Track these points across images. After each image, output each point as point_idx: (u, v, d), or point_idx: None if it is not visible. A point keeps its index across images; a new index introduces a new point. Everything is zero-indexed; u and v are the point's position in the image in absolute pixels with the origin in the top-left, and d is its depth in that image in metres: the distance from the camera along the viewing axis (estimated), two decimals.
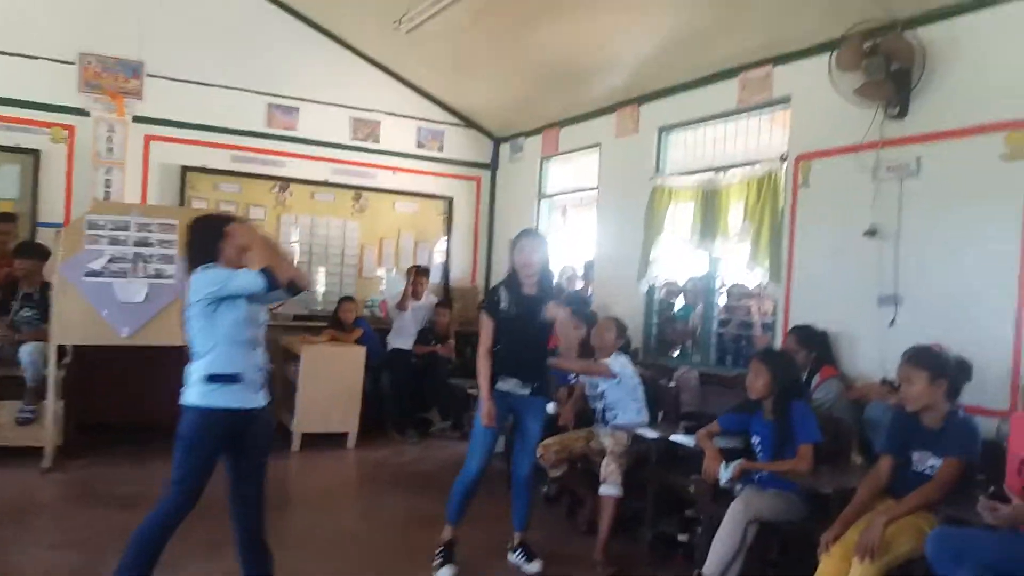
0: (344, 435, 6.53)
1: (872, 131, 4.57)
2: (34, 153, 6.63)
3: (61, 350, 5.53)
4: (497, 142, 8.52)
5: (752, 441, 3.78)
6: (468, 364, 7.33)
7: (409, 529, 4.68)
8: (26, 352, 5.47)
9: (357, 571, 3.94)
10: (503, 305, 3.91)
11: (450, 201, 8.33)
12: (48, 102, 6.66)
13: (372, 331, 7.22)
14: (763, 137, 5.58)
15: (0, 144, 6.52)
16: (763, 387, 3.66)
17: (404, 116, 8.04)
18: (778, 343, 5.04)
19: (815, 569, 3.11)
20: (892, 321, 4.44)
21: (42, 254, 5.82)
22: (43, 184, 6.66)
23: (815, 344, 4.59)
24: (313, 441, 6.40)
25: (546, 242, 4.09)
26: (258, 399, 3.08)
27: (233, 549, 3.15)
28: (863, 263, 4.64)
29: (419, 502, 5.16)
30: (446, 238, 8.36)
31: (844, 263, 4.78)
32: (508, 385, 3.90)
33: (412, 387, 7.13)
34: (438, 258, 8.32)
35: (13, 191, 6.60)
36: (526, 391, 3.91)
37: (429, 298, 7.53)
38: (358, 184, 7.86)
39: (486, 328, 3.94)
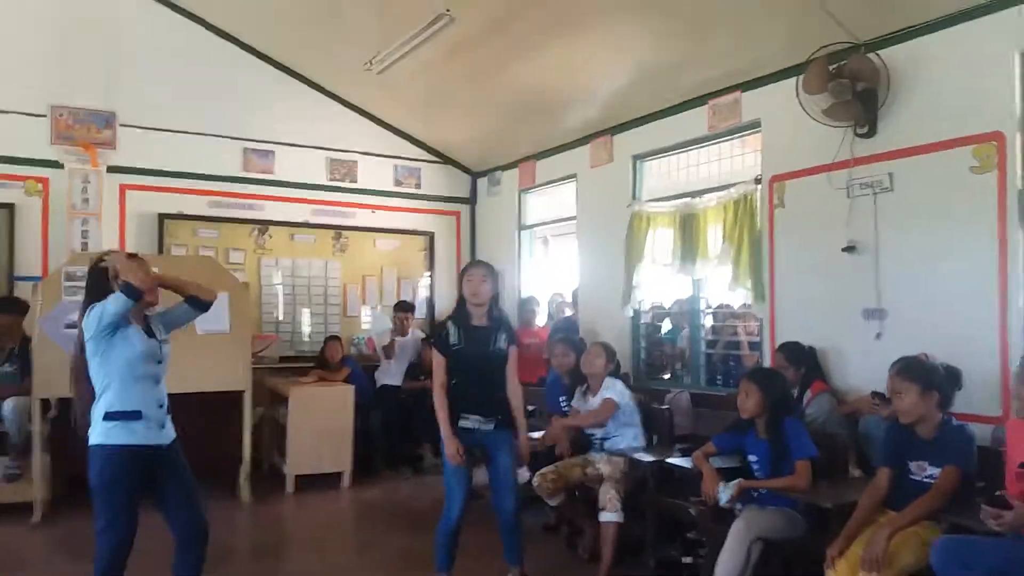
0: (338, 475, 6.48)
1: (843, 150, 4.69)
2: (8, 207, 6.57)
3: (45, 404, 5.45)
4: (474, 177, 8.60)
5: (749, 460, 3.81)
6: None
7: (404, 567, 4.64)
8: (8, 408, 5.40)
9: None
10: (452, 340, 3.83)
11: (431, 236, 8.37)
12: (21, 155, 6.62)
13: (359, 369, 7.20)
14: (736, 161, 5.70)
15: None
16: (754, 406, 3.70)
17: (380, 155, 8.08)
18: (767, 361, 5.10)
19: None
20: (878, 334, 4.52)
21: (20, 309, 5.76)
22: (19, 237, 6.59)
23: (803, 360, 4.65)
24: (308, 482, 6.34)
25: (495, 272, 3.96)
26: (161, 436, 3.08)
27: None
28: (844, 279, 4.73)
29: (414, 540, 5.09)
30: (429, 273, 8.37)
31: (826, 280, 4.87)
32: (470, 423, 3.80)
33: (403, 423, 7.10)
34: (422, 292, 8.33)
35: None
36: (490, 426, 3.82)
37: (415, 334, 7.52)
38: (338, 224, 7.87)
39: (438, 363, 3.85)
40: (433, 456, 7.18)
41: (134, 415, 2.98)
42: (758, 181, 5.31)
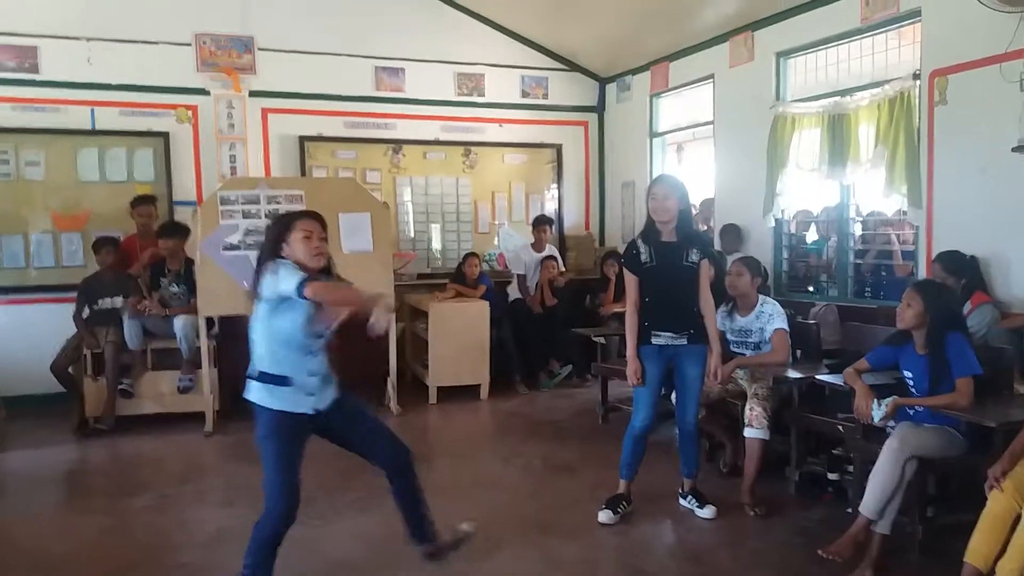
0: (477, 387, 6.73)
1: (1018, 38, 4.24)
2: (163, 136, 6.97)
3: (209, 322, 5.88)
4: (603, 83, 8.36)
5: (904, 376, 3.64)
6: (587, 314, 7.40)
7: (547, 475, 4.80)
8: (179, 326, 5.85)
9: (503, 516, 4.06)
10: (643, 258, 3.84)
11: (559, 148, 8.27)
12: (170, 85, 6.96)
13: (493, 285, 7.33)
14: (891, 55, 5.26)
15: (133, 129, 6.88)
16: (914, 317, 3.48)
17: (507, 66, 7.98)
18: (921, 271, 4.81)
19: (979, 504, 3.00)
20: None
21: (183, 232, 6.14)
22: (174, 165, 7.01)
23: (964, 270, 4.36)
24: (448, 393, 6.64)
25: (681, 186, 3.91)
26: (307, 404, 2.95)
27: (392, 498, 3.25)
28: (1013, 181, 4.36)
29: (554, 449, 5.28)
30: (557, 186, 8.33)
31: (991, 182, 4.50)
32: (663, 339, 3.84)
33: (537, 338, 7.23)
34: (550, 206, 8.30)
35: (149, 174, 6.97)
36: (682, 340, 3.83)
37: (550, 249, 7.56)
38: (467, 140, 7.90)
39: (630, 283, 3.89)
40: (559, 369, 7.32)
41: (282, 380, 2.91)
42: (916, 76, 4.90)
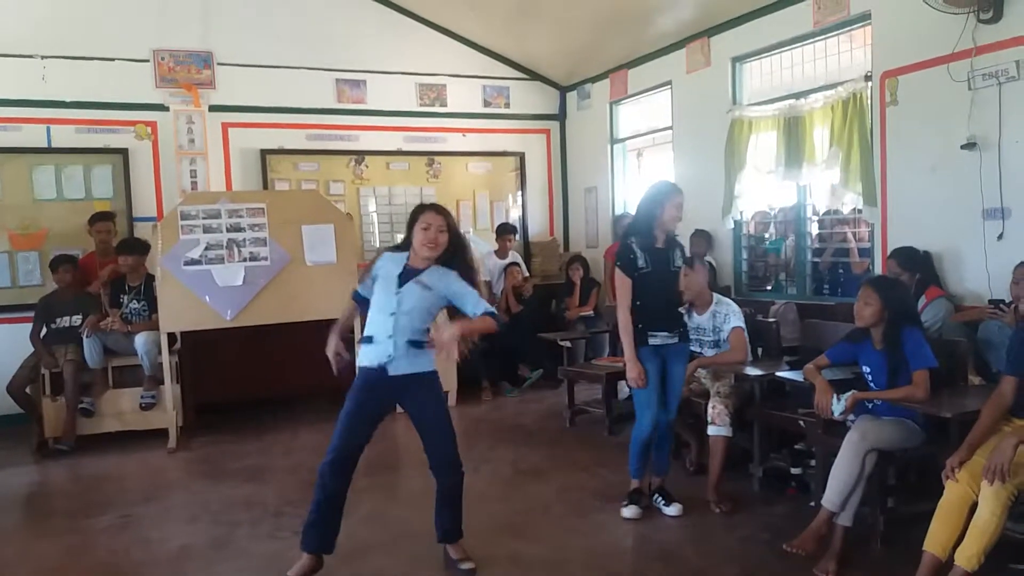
0: (445, 394, 6.67)
1: (964, 39, 4.37)
2: (122, 152, 6.89)
3: (171, 337, 5.81)
4: (563, 92, 8.44)
5: (862, 371, 3.71)
6: (553, 318, 7.42)
7: (516, 480, 4.80)
8: (140, 342, 5.76)
9: (472, 521, 4.03)
10: (640, 263, 3.90)
11: (522, 156, 8.32)
12: (129, 101, 6.88)
13: None
14: (843, 58, 5.39)
15: (92, 146, 6.79)
16: (872, 315, 3.55)
17: (468, 76, 8.03)
18: (878, 267, 4.91)
19: (938, 494, 3.06)
20: (1000, 235, 4.27)
21: (143, 248, 6.07)
22: (134, 180, 6.93)
23: (918, 266, 4.46)
24: None
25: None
26: (384, 357, 3.27)
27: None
28: (963, 178, 4.47)
29: (525, 453, 5.28)
30: (521, 193, 8.36)
31: (942, 180, 4.61)
32: (659, 339, 3.93)
33: (502, 343, 7.22)
34: (514, 213, 8.34)
35: (108, 190, 6.88)
36: (675, 339, 3.97)
37: (514, 256, 7.59)
38: (430, 150, 7.92)
39: (624, 286, 3.91)
40: (530, 374, 7.34)
41: (367, 339, 3.31)
42: (868, 78, 5.01)
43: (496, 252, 7.53)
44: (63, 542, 4.03)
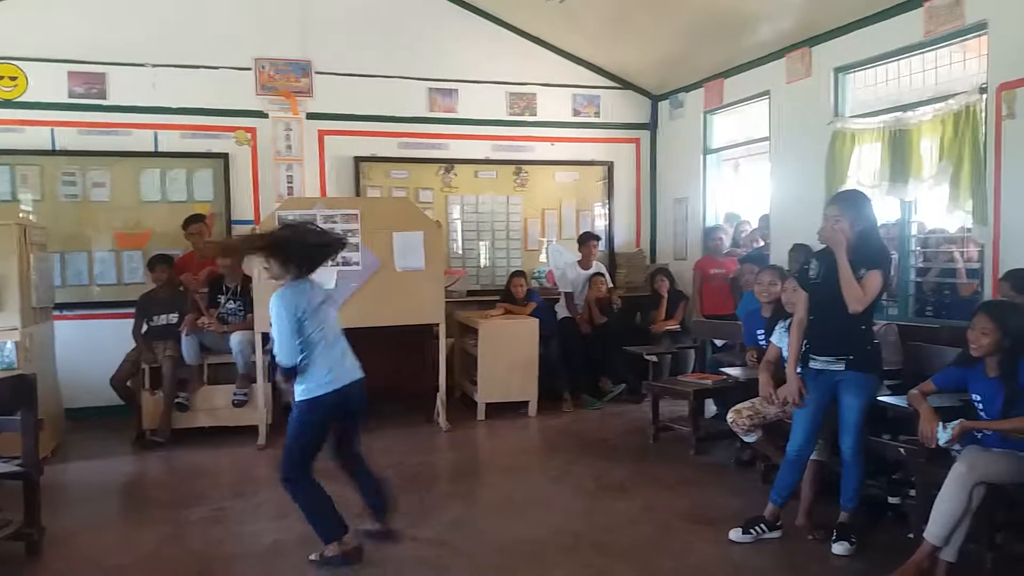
0: (525, 403, 6.70)
1: None
2: (223, 157, 7.15)
3: (265, 337, 5.96)
4: (655, 101, 8.32)
5: (972, 399, 3.51)
6: (638, 331, 7.32)
7: (599, 495, 4.73)
8: (235, 341, 5.95)
9: (556, 535, 4.01)
10: (811, 273, 3.73)
11: (610, 166, 8.25)
12: (231, 108, 7.15)
13: (543, 303, 7.30)
14: (955, 68, 5.11)
15: (194, 151, 7.08)
16: (991, 345, 3.35)
17: (559, 85, 8.01)
18: (987, 290, 4.65)
19: None
20: None
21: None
22: (233, 184, 7.19)
23: None
24: (497, 410, 6.63)
25: (855, 204, 3.68)
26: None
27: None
28: None
29: (607, 468, 5.20)
30: (607, 203, 8.29)
31: None
32: (819, 363, 3.70)
33: (584, 355, 7.17)
34: (600, 223, 8.27)
35: (208, 193, 7.16)
36: (840, 366, 3.65)
37: (597, 266, 7.53)
38: (518, 159, 7.94)
39: (799, 300, 3.83)
40: (612, 387, 7.25)
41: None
42: (983, 90, 4.75)
43: (579, 262, 7.47)
44: (159, 531, 4.18)
